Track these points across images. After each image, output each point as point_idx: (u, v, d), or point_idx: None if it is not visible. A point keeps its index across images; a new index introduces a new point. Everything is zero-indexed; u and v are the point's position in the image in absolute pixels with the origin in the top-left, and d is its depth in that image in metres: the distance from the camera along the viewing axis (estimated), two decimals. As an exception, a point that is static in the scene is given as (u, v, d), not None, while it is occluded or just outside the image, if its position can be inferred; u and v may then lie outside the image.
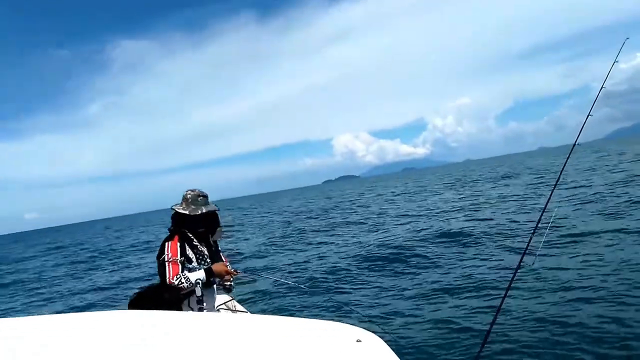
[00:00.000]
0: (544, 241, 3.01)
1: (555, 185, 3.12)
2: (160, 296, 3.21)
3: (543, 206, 3.11)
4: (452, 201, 22.92)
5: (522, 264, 3.01)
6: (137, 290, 3.57)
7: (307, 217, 27.11)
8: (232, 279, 3.84)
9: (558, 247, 8.98)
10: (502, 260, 8.90)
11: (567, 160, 3.10)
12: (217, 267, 3.68)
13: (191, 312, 3.42)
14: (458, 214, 17.11)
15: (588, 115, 3.14)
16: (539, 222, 3.09)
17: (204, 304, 3.59)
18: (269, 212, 38.42)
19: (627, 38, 3.96)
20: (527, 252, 3.05)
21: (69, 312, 2.37)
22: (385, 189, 51.07)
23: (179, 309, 3.36)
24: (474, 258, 9.47)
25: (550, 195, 3.13)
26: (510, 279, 2.97)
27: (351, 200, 37.93)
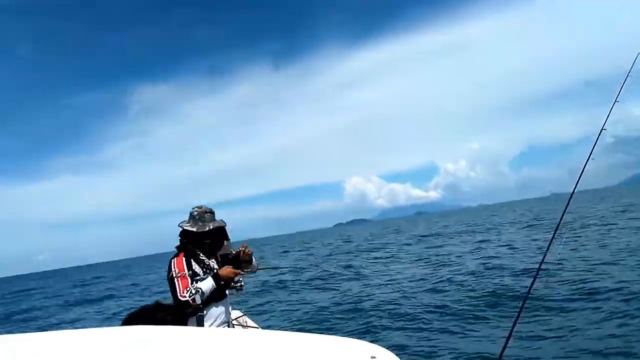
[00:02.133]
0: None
1: (555, 230, 3.25)
2: (154, 316, 3.32)
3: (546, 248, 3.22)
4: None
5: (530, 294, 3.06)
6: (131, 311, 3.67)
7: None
8: (240, 279, 3.90)
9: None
10: (513, 288, 9.14)
11: (566, 207, 3.22)
12: (223, 270, 3.71)
13: (194, 327, 3.42)
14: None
15: (588, 159, 3.23)
16: (541, 262, 3.20)
17: (214, 320, 3.65)
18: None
19: (629, 75, 3.87)
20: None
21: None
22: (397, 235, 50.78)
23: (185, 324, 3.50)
24: (486, 287, 9.62)
25: (552, 238, 3.24)
26: (519, 308, 3.00)
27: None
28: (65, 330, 2.16)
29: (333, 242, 49.70)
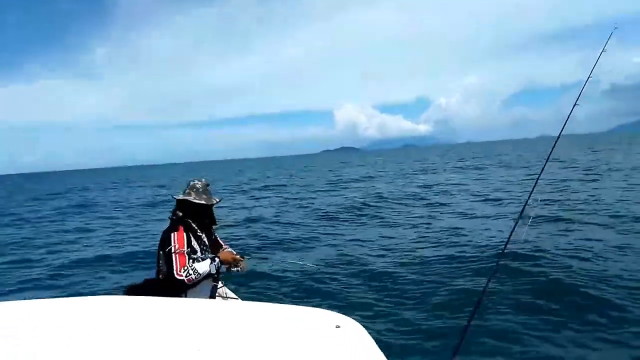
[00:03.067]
0: (529, 223, 3.01)
1: (539, 176, 3.19)
2: (157, 292, 3.28)
3: (528, 194, 3.16)
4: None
5: (506, 250, 3.00)
6: (133, 283, 3.73)
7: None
8: (240, 265, 3.90)
9: (543, 232, 9.30)
10: (485, 246, 9.08)
11: (551, 152, 3.17)
12: (224, 255, 3.77)
13: (183, 298, 3.45)
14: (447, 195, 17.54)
15: (574, 105, 3.18)
16: (523, 209, 3.14)
17: (199, 292, 3.65)
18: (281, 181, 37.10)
19: (616, 28, 3.83)
20: (511, 237, 3.01)
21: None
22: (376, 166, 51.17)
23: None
24: (457, 244, 9.57)
25: (534, 185, 3.19)
26: (494, 266, 3.01)
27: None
28: (70, 298, 2.23)
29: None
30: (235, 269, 3.90)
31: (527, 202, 3.16)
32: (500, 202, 14.95)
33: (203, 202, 3.74)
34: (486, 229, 10.87)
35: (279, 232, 12.73)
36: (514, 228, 2.98)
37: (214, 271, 3.62)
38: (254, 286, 7.95)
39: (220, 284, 3.99)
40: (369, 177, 32.99)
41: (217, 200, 3.89)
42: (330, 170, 48.69)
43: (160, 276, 3.64)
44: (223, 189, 29.55)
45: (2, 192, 53.48)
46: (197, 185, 3.83)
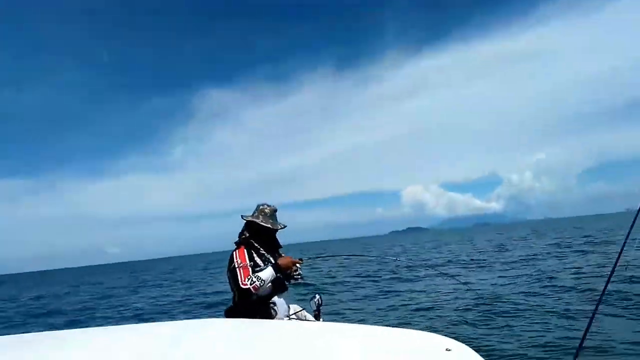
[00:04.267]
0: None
1: (622, 248, 3.20)
2: (252, 306, 3.53)
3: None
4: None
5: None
6: (230, 304, 3.84)
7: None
8: (299, 268, 3.92)
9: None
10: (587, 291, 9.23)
11: (633, 224, 3.12)
12: (282, 260, 3.78)
13: (283, 320, 3.54)
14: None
15: None
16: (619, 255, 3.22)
17: (277, 312, 3.70)
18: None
19: None
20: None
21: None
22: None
23: (268, 312, 3.63)
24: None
25: (619, 256, 3.19)
26: (595, 305, 3.04)
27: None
28: (184, 321, 2.40)
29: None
30: (296, 273, 3.91)
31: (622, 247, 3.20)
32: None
33: (269, 225, 3.84)
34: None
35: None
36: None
37: (275, 273, 3.62)
38: (331, 309, 7.93)
39: (298, 307, 4.01)
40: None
41: (283, 226, 3.95)
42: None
43: (236, 298, 3.69)
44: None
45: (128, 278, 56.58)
46: (266, 210, 3.92)
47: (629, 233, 3.21)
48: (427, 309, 8.40)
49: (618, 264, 3.14)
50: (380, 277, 14.55)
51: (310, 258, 4.28)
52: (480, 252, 28.24)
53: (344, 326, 2.16)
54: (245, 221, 3.94)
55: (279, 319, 3.71)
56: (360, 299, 8.85)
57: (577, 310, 7.81)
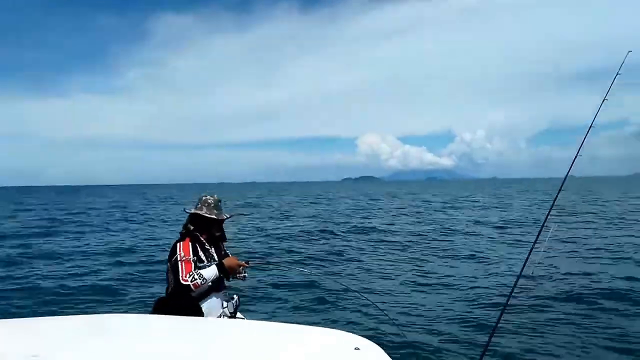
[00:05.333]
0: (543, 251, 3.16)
1: (549, 212, 3.31)
2: (179, 303, 3.43)
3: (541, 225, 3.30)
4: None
5: (521, 275, 3.14)
6: (158, 296, 3.81)
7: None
8: (244, 271, 3.91)
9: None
10: (502, 275, 9.34)
11: (558, 192, 3.26)
12: (228, 261, 3.77)
13: (202, 318, 3.43)
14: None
15: (577, 153, 3.32)
16: (537, 238, 3.27)
17: (210, 311, 3.66)
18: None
19: (630, 51, 3.64)
20: (525, 266, 3.17)
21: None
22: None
23: (200, 313, 3.55)
24: (475, 274, 9.87)
25: (546, 217, 3.30)
26: (509, 292, 3.11)
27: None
28: (111, 314, 2.38)
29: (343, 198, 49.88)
30: (241, 275, 3.91)
31: (541, 229, 3.26)
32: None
33: (214, 216, 3.79)
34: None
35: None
36: (528, 255, 3.14)
37: (219, 273, 3.62)
38: (261, 304, 8.14)
39: (225, 304, 3.92)
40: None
41: (228, 216, 3.94)
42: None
43: (169, 289, 3.68)
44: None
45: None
46: (209, 200, 3.86)
47: (547, 214, 3.30)
48: (341, 306, 8.10)
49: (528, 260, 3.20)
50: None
51: (257, 263, 4.27)
52: (405, 213, 28.59)
53: (256, 324, 2.19)
54: (188, 213, 3.88)
55: (214, 316, 3.68)
56: (278, 297, 8.85)
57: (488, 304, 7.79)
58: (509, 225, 19.35)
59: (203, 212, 3.79)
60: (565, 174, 3.33)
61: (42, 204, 50.34)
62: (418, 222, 22.54)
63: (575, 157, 3.32)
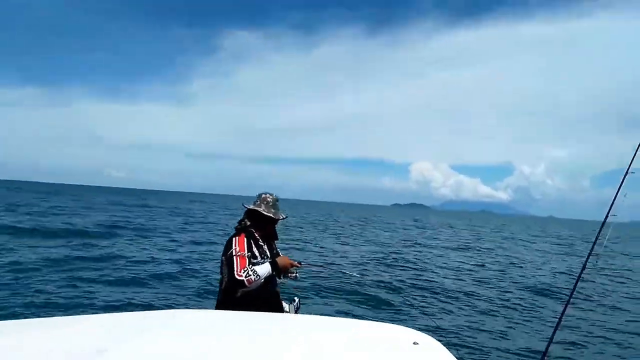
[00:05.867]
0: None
1: (589, 256, 3.53)
2: (245, 298, 3.49)
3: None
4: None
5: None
6: (220, 292, 3.79)
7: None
8: (295, 271, 4.00)
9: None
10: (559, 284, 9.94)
11: (598, 234, 3.53)
12: (281, 260, 3.82)
13: (266, 313, 3.32)
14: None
15: (616, 195, 3.53)
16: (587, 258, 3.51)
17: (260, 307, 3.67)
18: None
19: None
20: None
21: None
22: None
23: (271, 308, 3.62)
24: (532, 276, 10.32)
25: (586, 260, 3.54)
26: (568, 298, 3.29)
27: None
28: (172, 310, 2.46)
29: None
30: (292, 275, 3.99)
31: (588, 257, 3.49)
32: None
33: (271, 215, 3.85)
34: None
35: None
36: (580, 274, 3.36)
37: (272, 271, 3.66)
38: (316, 305, 8.50)
39: (288, 305, 4.02)
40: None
41: (284, 216, 3.99)
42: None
43: (223, 284, 3.69)
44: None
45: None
46: (269, 199, 3.91)
47: (594, 244, 3.54)
48: (396, 303, 8.56)
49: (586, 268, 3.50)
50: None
51: (309, 264, 4.35)
52: (475, 240, 28.78)
53: (317, 319, 2.25)
54: (246, 209, 3.95)
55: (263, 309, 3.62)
56: (332, 292, 9.33)
57: (546, 310, 8.39)
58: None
59: (262, 209, 3.85)
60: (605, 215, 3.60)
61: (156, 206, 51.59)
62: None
63: (615, 197, 3.54)
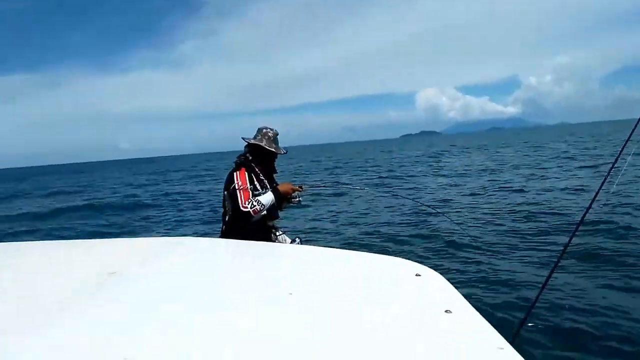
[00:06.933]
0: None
1: (612, 167, 3.20)
2: (251, 228, 3.60)
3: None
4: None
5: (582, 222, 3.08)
6: (223, 225, 3.88)
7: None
8: (298, 195, 3.98)
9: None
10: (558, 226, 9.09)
11: (628, 139, 3.15)
12: (282, 186, 3.83)
13: (270, 243, 3.62)
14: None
15: None
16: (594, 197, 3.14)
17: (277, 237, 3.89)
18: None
19: None
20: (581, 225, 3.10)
21: None
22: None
23: (268, 238, 3.77)
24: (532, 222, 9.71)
25: (606, 176, 3.19)
26: (565, 243, 3.03)
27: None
28: (178, 237, 2.62)
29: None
30: (295, 199, 3.99)
31: (601, 186, 3.18)
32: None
33: (273, 149, 3.84)
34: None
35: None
36: (588, 208, 3.07)
37: (275, 199, 3.69)
38: (320, 234, 8.63)
39: (279, 232, 4.05)
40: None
41: (285, 151, 4.00)
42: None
43: (227, 217, 3.76)
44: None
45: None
46: (270, 134, 3.87)
47: (612, 165, 3.22)
48: (403, 235, 8.60)
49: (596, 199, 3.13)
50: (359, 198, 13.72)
51: (310, 186, 4.33)
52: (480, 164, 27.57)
53: (320, 250, 2.31)
54: (247, 143, 3.91)
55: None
56: (335, 222, 9.22)
57: (544, 250, 7.51)
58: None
59: (263, 143, 3.82)
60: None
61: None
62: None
63: None
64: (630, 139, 3.27)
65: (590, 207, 3.11)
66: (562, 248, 3.08)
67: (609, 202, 9.08)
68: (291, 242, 3.95)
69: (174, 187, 27.72)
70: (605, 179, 3.18)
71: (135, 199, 22.41)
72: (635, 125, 3.19)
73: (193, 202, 18.94)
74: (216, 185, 23.97)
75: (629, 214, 9.23)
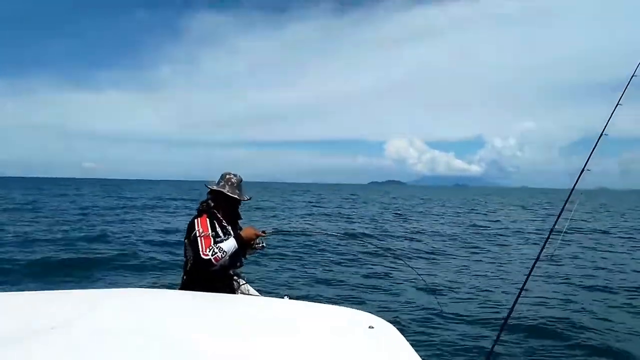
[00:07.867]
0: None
1: (554, 225, 3.45)
2: (212, 278, 3.45)
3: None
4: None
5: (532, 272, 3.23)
6: (184, 274, 3.71)
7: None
8: (262, 241, 3.88)
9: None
10: (518, 268, 9.84)
11: (565, 204, 3.38)
12: (245, 231, 3.70)
13: (217, 294, 3.35)
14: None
15: (585, 164, 3.39)
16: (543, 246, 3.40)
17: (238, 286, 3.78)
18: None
19: (634, 76, 3.55)
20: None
21: None
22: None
23: (232, 290, 3.67)
24: (491, 262, 10.42)
25: (553, 226, 3.44)
26: (524, 280, 3.17)
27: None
28: (135, 289, 2.43)
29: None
30: (259, 245, 3.87)
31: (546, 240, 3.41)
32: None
33: (236, 196, 3.74)
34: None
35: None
36: (536, 259, 3.26)
37: (237, 245, 3.55)
38: (276, 283, 8.53)
39: (242, 281, 3.94)
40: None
41: (249, 197, 3.91)
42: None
43: (188, 266, 3.63)
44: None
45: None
46: (233, 180, 3.78)
47: (558, 217, 3.43)
48: (364, 286, 8.63)
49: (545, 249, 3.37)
50: (328, 250, 13.29)
51: (273, 232, 4.23)
52: (453, 215, 29.32)
53: (270, 301, 2.28)
54: (209, 189, 3.82)
55: (225, 292, 3.63)
56: (295, 273, 9.44)
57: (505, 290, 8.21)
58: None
59: (226, 190, 3.73)
60: (572, 186, 3.45)
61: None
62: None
63: (582, 170, 3.39)
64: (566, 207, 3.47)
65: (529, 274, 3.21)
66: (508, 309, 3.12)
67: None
68: (244, 284, 3.87)
69: (133, 221, 23.34)
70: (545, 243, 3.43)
71: (80, 233, 17.55)
72: (571, 192, 3.52)
73: (150, 243, 15.65)
74: (183, 225, 22.97)
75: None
